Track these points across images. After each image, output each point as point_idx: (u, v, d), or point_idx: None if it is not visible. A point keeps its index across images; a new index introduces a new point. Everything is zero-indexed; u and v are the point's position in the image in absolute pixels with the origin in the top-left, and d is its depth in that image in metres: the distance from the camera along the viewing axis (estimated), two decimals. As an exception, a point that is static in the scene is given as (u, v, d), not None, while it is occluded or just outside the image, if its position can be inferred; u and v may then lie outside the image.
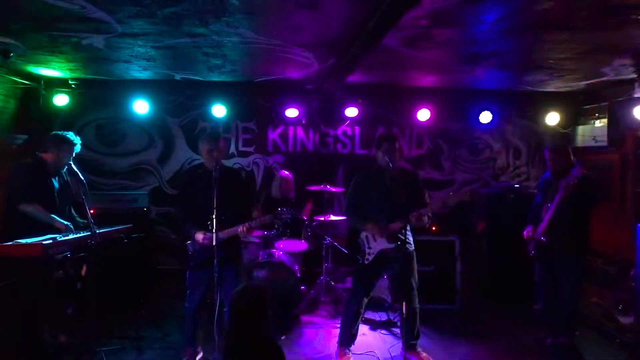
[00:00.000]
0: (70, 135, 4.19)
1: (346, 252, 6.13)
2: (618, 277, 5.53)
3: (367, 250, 4.14)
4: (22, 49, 4.57)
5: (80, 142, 4.25)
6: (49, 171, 4.15)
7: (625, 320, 4.87)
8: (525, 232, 4.58)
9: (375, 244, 4.13)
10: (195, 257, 4.09)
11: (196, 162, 6.65)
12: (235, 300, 2.72)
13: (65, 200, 4.27)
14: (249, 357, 2.59)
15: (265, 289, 2.76)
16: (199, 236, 3.98)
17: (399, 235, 4.02)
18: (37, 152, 4.22)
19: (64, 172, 4.29)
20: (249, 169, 6.82)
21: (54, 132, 4.27)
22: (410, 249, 4.19)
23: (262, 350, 2.64)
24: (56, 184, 4.19)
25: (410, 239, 4.21)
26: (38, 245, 3.54)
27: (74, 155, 4.19)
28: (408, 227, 4.11)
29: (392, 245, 4.06)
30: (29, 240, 3.59)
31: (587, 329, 5.04)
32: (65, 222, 4.00)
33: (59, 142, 4.13)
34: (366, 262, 4.14)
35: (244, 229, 4.00)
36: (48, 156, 4.14)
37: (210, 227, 3.78)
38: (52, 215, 3.96)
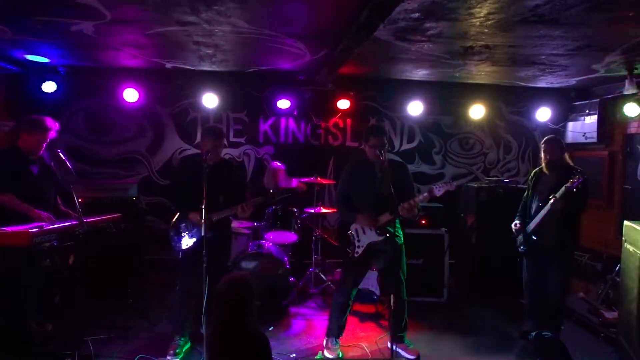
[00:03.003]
0: (45, 120, 4.09)
1: (336, 244, 6.15)
2: (604, 273, 5.60)
3: (357, 244, 4.14)
4: (9, 34, 4.49)
5: (56, 127, 4.15)
6: (26, 158, 4.06)
7: (610, 315, 4.93)
8: (513, 227, 4.63)
9: (365, 237, 4.14)
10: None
11: (186, 152, 6.63)
12: (221, 290, 2.73)
13: (49, 187, 4.21)
14: (234, 346, 2.60)
15: (250, 279, 2.77)
16: (196, 216, 3.99)
17: (388, 227, 4.04)
18: (12, 139, 4.14)
19: (46, 158, 4.21)
20: (239, 159, 6.79)
21: (26, 117, 4.16)
22: (400, 242, 4.21)
23: (248, 339, 2.65)
24: (35, 171, 4.10)
25: (400, 232, 4.21)
26: (25, 233, 3.50)
27: (47, 141, 4.11)
28: (397, 220, 4.12)
29: (381, 238, 4.08)
30: (15, 229, 3.55)
31: (573, 323, 5.10)
32: (44, 212, 3.94)
33: (29, 127, 4.02)
34: (355, 254, 4.15)
35: (241, 208, 4.08)
36: (20, 142, 4.05)
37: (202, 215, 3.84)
38: (29, 206, 3.90)
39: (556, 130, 6.72)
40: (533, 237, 4.42)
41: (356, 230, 4.18)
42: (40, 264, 4.08)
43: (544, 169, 4.52)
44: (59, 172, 4.23)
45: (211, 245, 3.87)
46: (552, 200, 4.19)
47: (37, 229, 3.59)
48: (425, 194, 4.03)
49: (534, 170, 4.72)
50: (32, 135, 4.02)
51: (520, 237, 4.56)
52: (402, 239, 4.30)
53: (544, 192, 4.39)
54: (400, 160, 4.36)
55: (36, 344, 4.02)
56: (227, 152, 6.71)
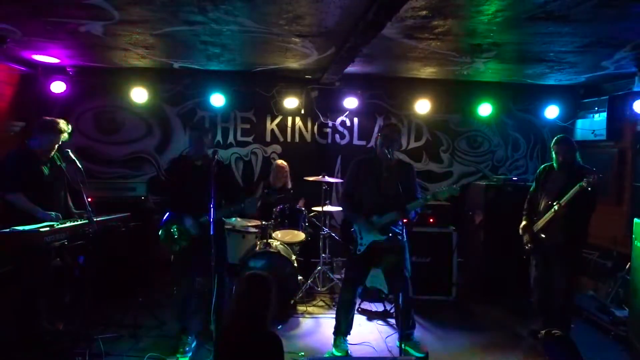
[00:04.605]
0: (60, 122, 4.14)
1: (341, 241, 6.15)
2: (614, 271, 5.56)
3: (360, 241, 4.15)
4: (19, 35, 4.52)
5: (70, 129, 4.20)
6: (38, 158, 4.10)
7: (621, 313, 4.90)
8: (521, 226, 4.60)
9: (368, 235, 4.14)
10: (182, 240, 4.13)
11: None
12: (241, 290, 2.73)
13: (59, 187, 4.24)
14: (248, 346, 2.59)
15: (271, 279, 2.77)
16: (189, 222, 4.04)
17: (392, 227, 4.04)
18: (25, 140, 4.19)
19: (57, 158, 4.25)
20: (247, 158, 6.81)
21: (41, 119, 4.21)
22: (403, 240, 4.19)
23: (262, 340, 2.64)
24: (46, 171, 4.14)
25: (404, 230, 4.20)
26: (36, 232, 3.54)
27: (60, 143, 4.14)
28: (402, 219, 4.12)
29: (385, 237, 4.08)
30: (27, 228, 3.59)
31: (583, 321, 5.08)
32: (52, 213, 3.97)
33: (44, 129, 4.08)
34: (358, 252, 4.15)
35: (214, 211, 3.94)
36: (34, 143, 4.10)
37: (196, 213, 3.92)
38: (37, 207, 3.93)
39: (565, 128, 6.68)
40: (542, 235, 4.40)
41: (359, 228, 4.18)
42: (50, 263, 4.11)
43: (555, 168, 4.48)
44: (68, 172, 4.27)
45: (203, 245, 3.89)
46: (556, 207, 4.19)
47: (47, 228, 3.63)
48: (429, 197, 4.04)
49: (543, 166, 4.68)
50: (47, 137, 4.07)
51: (526, 235, 4.53)
52: (406, 237, 4.28)
53: (554, 190, 4.35)
54: (408, 161, 4.36)
55: (47, 343, 4.04)
56: (234, 152, 6.74)
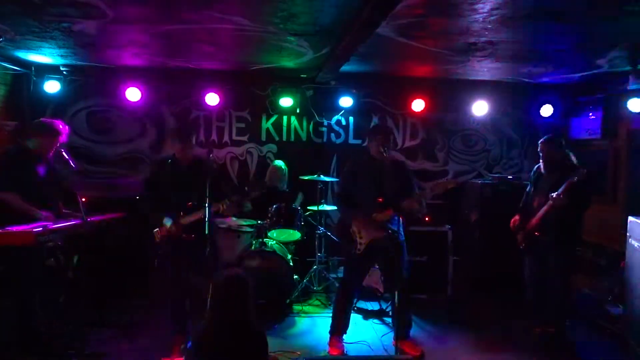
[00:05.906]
0: (58, 124, 4.12)
1: (338, 241, 6.14)
2: (608, 269, 5.58)
3: (359, 240, 4.14)
4: (12, 34, 4.49)
5: (67, 131, 4.19)
6: (33, 159, 4.08)
7: (615, 311, 4.92)
8: (512, 222, 4.61)
9: (366, 234, 4.13)
10: (164, 244, 4.13)
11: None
12: (215, 286, 2.74)
13: (53, 187, 4.22)
14: (231, 344, 2.60)
15: (245, 276, 2.77)
16: (169, 222, 4.04)
17: (390, 225, 4.04)
18: (21, 140, 4.17)
19: (51, 158, 4.23)
20: (242, 158, 6.79)
21: (38, 119, 4.19)
22: (401, 238, 4.19)
23: (244, 335, 2.64)
24: (41, 171, 4.12)
25: (401, 229, 4.20)
26: (29, 232, 3.52)
27: (58, 145, 4.13)
28: (399, 217, 4.12)
29: (383, 235, 4.08)
30: (20, 228, 3.57)
31: (577, 319, 5.08)
32: (46, 213, 3.95)
33: (41, 130, 4.06)
34: (357, 252, 4.15)
35: (211, 211, 3.87)
36: (30, 143, 4.08)
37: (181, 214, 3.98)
38: (31, 207, 3.91)
39: (560, 126, 6.70)
40: (536, 233, 4.41)
41: (358, 228, 4.18)
42: (44, 263, 4.08)
43: (543, 168, 4.49)
44: (62, 172, 4.25)
45: (192, 248, 3.94)
46: (553, 196, 4.17)
47: (41, 229, 3.61)
48: (428, 191, 4.04)
49: (537, 166, 4.70)
50: (44, 138, 4.05)
51: (520, 235, 4.54)
52: (404, 235, 4.28)
53: (545, 189, 4.36)
54: (400, 159, 4.37)
55: (41, 343, 4.02)
56: (229, 151, 6.72)
